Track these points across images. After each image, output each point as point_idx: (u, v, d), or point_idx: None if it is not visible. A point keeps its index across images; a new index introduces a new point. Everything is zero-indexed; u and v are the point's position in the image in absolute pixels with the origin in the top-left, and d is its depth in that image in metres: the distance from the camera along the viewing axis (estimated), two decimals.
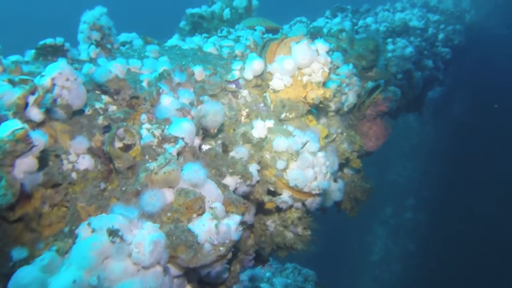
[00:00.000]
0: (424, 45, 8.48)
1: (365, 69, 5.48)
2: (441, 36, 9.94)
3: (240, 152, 2.91)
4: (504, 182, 19.24)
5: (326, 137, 4.56)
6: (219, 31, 4.83)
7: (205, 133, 2.90)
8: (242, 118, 3.51)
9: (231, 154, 2.91)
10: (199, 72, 3.33)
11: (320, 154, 3.35)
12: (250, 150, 3.01)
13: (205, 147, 2.88)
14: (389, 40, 6.74)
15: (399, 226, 22.66)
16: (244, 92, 3.67)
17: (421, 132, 23.17)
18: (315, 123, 4.29)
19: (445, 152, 21.38)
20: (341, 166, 4.88)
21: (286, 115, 3.54)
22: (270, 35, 5.17)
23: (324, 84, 3.97)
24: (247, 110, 3.53)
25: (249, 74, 3.76)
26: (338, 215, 5.40)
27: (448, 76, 15.69)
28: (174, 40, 4.20)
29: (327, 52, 3.81)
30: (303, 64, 3.76)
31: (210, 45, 4.06)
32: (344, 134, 4.80)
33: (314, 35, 5.40)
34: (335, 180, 4.48)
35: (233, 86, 3.54)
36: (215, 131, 2.94)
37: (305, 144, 3.17)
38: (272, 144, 3.11)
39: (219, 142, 2.94)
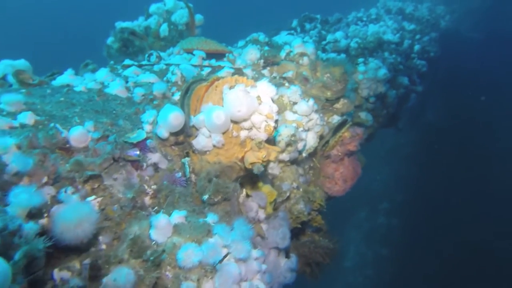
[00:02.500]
0: (399, 60, 7.47)
1: (330, 100, 4.41)
2: (417, 47, 8.96)
3: (119, 279, 1.80)
4: (477, 186, 18.71)
5: (278, 196, 3.49)
6: (146, 56, 3.70)
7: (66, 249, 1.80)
8: (147, 198, 2.40)
9: (105, 281, 1.81)
10: (78, 136, 2.20)
11: (254, 254, 2.27)
12: (139, 270, 1.90)
13: (63, 274, 1.77)
14: (361, 60, 5.69)
15: (373, 230, 21.89)
16: (154, 157, 2.56)
17: (396, 135, 22.30)
18: (261, 185, 3.20)
19: (419, 156, 20.72)
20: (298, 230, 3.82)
21: (211, 197, 2.43)
22: (213, 62, 4.05)
23: (270, 140, 2.89)
24: (154, 187, 2.42)
25: (163, 131, 2.66)
26: None
27: (422, 81, 14.91)
28: (65, 77, 3.01)
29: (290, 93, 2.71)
30: (238, 117, 2.67)
31: (117, 85, 2.91)
32: (301, 190, 3.72)
33: (268, 61, 4.30)
34: (286, 255, 3.42)
35: (134, 153, 2.41)
36: (84, 242, 1.83)
37: (226, 256, 2.07)
38: (176, 255, 2.01)
39: (86, 261, 1.83)
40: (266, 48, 4.43)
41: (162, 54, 3.90)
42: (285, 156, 3.57)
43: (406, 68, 8.42)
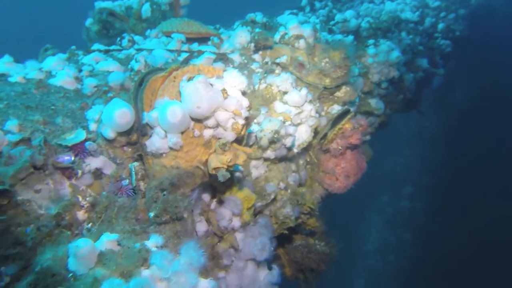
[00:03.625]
0: (419, 40, 6.81)
1: (329, 88, 3.90)
2: (441, 26, 8.22)
3: None
4: (505, 169, 17.84)
5: (262, 199, 3.05)
6: (118, 39, 3.26)
7: None
8: (81, 213, 2.00)
9: None
10: None
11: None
12: None
13: None
14: (371, 41, 5.10)
15: (395, 215, 21.24)
16: (96, 162, 2.14)
17: (421, 117, 21.41)
18: (236, 189, 2.77)
19: (446, 139, 19.81)
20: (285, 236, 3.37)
21: (157, 215, 1.99)
22: (195, 46, 3.58)
23: (240, 140, 2.45)
24: (89, 199, 2.01)
25: (108, 131, 2.23)
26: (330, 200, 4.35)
27: (450, 61, 14.02)
28: (0, 65, 2.59)
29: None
30: (198, 114, 2.23)
31: (64, 74, 2.49)
32: (289, 191, 3.26)
33: (259, 44, 3.80)
34: (269, 267, 2.99)
35: (66, 159, 2.00)
36: None
37: None
38: None
39: None
40: (258, 30, 3.92)
41: (137, 37, 3.46)
42: (270, 154, 3.11)
43: (428, 49, 7.73)
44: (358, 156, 4.26)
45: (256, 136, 2.99)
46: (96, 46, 3.23)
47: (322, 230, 3.81)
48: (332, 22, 5.50)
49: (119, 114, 2.17)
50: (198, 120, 2.29)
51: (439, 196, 19.40)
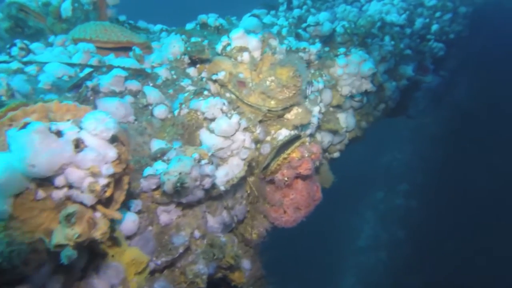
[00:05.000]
0: (407, 43, 6.12)
1: (273, 111, 3.28)
2: (434, 27, 7.48)
3: None
4: (505, 171, 17.22)
5: (167, 254, 2.48)
6: (7, 47, 2.66)
7: None
8: None
9: None
10: None
11: None
12: None
13: None
14: (341, 50, 4.44)
15: (390, 211, 20.68)
16: None
17: (420, 114, 20.60)
18: (119, 250, 2.19)
19: (445, 137, 19.11)
20: None
21: None
22: (110, 57, 2.96)
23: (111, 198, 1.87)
24: None
25: None
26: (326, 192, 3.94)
27: (451, 58, 13.27)
28: None
29: None
30: (35, 173, 1.65)
31: None
32: (205, 241, 2.68)
33: (193, 57, 3.17)
34: None
35: None
36: None
37: None
38: None
39: None
40: (194, 39, 3.29)
41: (35, 45, 2.85)
42: (181, 199, 2.53)
43: (417, 53, 7.03)
44: (311, 186, 3.67)
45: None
46: None
47: (259, 275, 3.24)
48: (304, 25, 4.84)
49: None
50: (42, 179, 1.71)
51: (435, 195, 18.82)
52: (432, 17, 7.73)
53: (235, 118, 2.81)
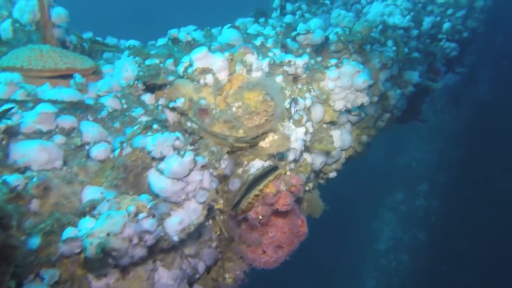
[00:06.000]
0: (408, 50, 5.51)
1: (242, 140, 2.81)
2: (446, 26, 6.85)
3: None
4: None
5: None
6: None
7: None
8: None
9: None
10: None
11: None
12: None
13: None
14: (333, 61, 3.93)
15: (410, 213, 19.91)
16: None
17: (439, 111, 19.76)
18: None
19: (466, 134, 18.25)
20: None
21: None
22: (44, 90, 2.52)
23: None
24: None
25: None
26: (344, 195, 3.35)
27: (470, 55, 12.57)
28: None
29: None
30: None
31: None
32: None
33: (147, 83, 2.72)
34: None
35: None
36: None
37: None
38: None
39: None
40: (149, 61, 2.84)
41: None
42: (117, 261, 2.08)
43: (427, 55, 6.43)
44: (293, 221, 3.17)
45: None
46: None
47: None
48: (293, 33, 4.33)
49: None
50: None
51: (456, 195, 18.02)
52: (444, 15, 7.09)
53: (189, 156, 2.34)
